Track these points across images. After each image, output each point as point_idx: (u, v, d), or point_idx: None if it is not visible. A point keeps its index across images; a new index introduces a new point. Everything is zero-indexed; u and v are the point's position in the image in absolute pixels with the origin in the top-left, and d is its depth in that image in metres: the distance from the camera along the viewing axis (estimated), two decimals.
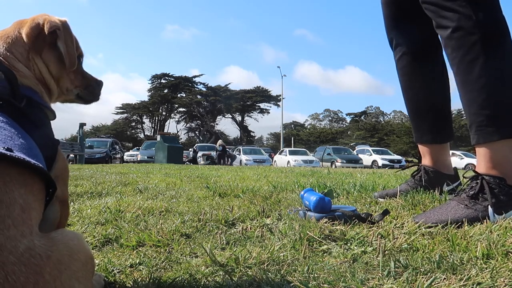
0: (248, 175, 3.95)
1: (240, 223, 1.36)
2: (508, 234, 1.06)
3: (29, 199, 0.56)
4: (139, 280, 0.86)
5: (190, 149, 27.52)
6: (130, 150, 30.95)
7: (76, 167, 7.12)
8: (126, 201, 1.88)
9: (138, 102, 55.55)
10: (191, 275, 0.87)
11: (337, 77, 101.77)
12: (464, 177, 1.41)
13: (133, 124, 57.06)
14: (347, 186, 2.26)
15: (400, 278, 0.80)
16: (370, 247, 1.01)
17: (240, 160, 23.12)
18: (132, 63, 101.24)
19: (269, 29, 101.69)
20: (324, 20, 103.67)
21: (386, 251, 0.98)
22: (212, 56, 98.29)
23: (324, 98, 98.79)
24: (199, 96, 53.68)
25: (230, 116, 55.69)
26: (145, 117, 56.57)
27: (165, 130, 52.52)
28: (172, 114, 56.46)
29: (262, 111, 54.82)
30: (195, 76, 55.63)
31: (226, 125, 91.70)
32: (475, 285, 0.75)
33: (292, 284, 0.79)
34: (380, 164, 22.92)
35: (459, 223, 1.21)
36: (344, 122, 66.59)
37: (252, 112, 55.15)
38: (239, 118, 55.57)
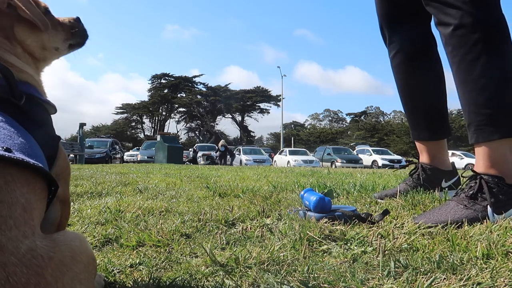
0: (248, 175, 3.95)
1: (240, 223, 1.36)
2: (508, 234, 1.06)
3: (31, 198, 0.55)
4: (139, 280, 0.86)
5: (190, 149, 27.52)
6: (130, 150, 30.95)
7: (76, 167, 7.12)
8: (126, 201, 1.88)
9: (138, 102, 55.60)
10: (191, 275, 0.87)
11: (337, 77, 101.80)
12: (462, 176, 1.41)
13: (133, 124, 57.06)
14: (347, 186, 2.26)
15: (400, 278, 0.80)
16: (370, 247, 1.01)
17: (240, 160, 23.12)
18: (132, 63, 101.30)
19: (269, 29, 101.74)
20: (325, 20, 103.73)
21: (386, 251, 0.98)
22: (212, 56, 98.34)
23: (324, 98, 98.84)
24: (199, 96, 53.68)
25: (230, 116, 55.71)
26: (145, 117, 56.57)
27: (165, 130, 52.53)
28: (172, 114, 56.49)
29: (262, 111, 54.84)
30: (195, 76, 55.67)
31: (226, 125, 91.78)
32: (475, 285, 0.75)
33: (292, 284, 0.79)
34: (380, 164, 22.92)
35: (459, 223, 1.21)
36: (344, 122, 66.60)
37: (252, 112, 55.15)
38: (239, 118, 55.59)
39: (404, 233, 1.13)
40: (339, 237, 1.11)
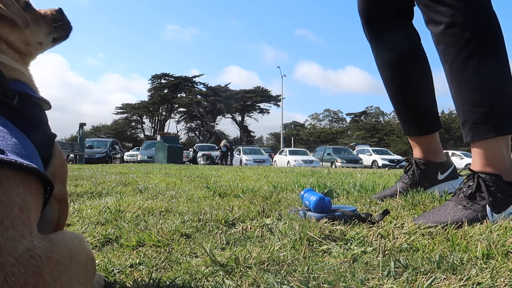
0: (248, 175, 3.95)
1: (240, 223, 1.36)
2: (508, 234, 1.06)
3: (27, 199, 0.55)
4: (139, 280, 0.85)
5: (190, 149, 27.53)
6: (130, 150, 30.97)
7: (76, 167, 7.12)
8: (126, 201, 1.88)
9: (138, 102, 55.65)
10: (191, 275, 0.87)
11: (337, 77, 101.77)
12: (460, 175, 1.40)
13: (133, 124, 57.08)
14: (347, 186, 2.26)
15: (400, 278, 0.80)
16: (370, 247, 1.01)
17: (240, 160, 23.13)
18: (133, 63, 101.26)
19: (269, 29, 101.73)
20: (325, 20, 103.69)
21: (386, 251, 0.98)
22: (212, 56, 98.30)
23: (324, 98, 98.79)
24: (199, 96, 53.70)
25: (230, 116, 55.72)
26: (145, 117, 56.59)
27: (165, 130, 52.55)
28: (172, 114, 56.51)
29: (262, 111, 54.88)
30: (195, 76, 55.70)
31: (226, 125, 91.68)
32: (475, 285, 0.75)
33: (292, 284, 0.79)
34: (380, 164, 22.92)
35: (459, 224, 1.21)
36: (344, 122, 66.59)
37: (252, 112, 55.17)
38: (239, 118, 55.60)
39: (404, 233, 1.13)
40: (339, 237, 1.11)
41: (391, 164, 21.99)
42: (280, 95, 43.30)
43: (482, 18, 1.30)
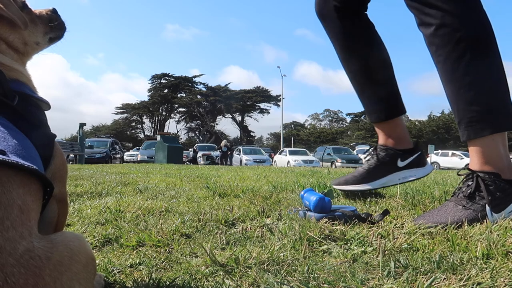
0: (248, 175, 3.95)
1: (240, 223, 1.36)
2: (508, 234, 1.06)
3: (27, 199, 0.55)
4: (139, 280, 0.85)
5: (190, 149, 27.54)
6: (130, 150, 30.97)
7: (76, 167, 7.12)
8: (126, 201, 1.88)
9: (138, 102, 55.65)
10: (191, 275, 0.87)
11: (337, 77, 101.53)
12: (458, 174, 1.40)
13: (133, 124, 57.09)
14: None
15: (400, 278, 0.80)
16: (370, 247, 1.01)
17: (240, 160, 23.13)
18: (133, 63, 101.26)
19: (269, 29, 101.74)
20: None
21: (386, 251, 0.98)
22: (212, 56, 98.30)
23: (324, 98, 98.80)
24: (199, 96, 53.69)
25: (230, 116, 55.72)
26: (145, 117, 56.60)
27: (165, 130, 52.55)
28: (172, 114, 56.52)
29: (262, 111, 54.87)
30: (195, 76, 55.68)
31: (226, 125, 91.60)
32: (475, 285, 0.75)
33: (292, 284, 0.79)
34: None
35: (459, 224, 1.21)
36: (344, 122, 66.56)
37: (252, 112, 55.16)
38: (239, 118, 55.60)
39: (404, 233, 1.13)
40: (339, 237, 1.11)
41: None
42: (280, 95, 43.38)
43: (472, 18, 1.31)
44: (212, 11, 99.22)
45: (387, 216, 1.33)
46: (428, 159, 24.03)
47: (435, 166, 22.05)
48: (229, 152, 22.27)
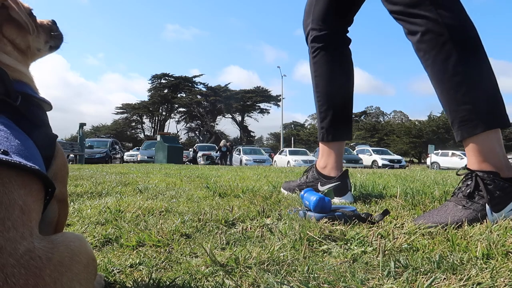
0: (248, 175, 3.94)
1: (240, 223, 1.36)
2: (508, 234, 1.06)
3: (28, 200, 0.55)
4: (139, 280, 0.86)
5: (190, 149, 27.54)
6: (130, 150, 30.98)
7: (76, 167, 7.12)
8: (126, 201, 1.88)
9: (138, 102, 55.66)
10: (191, 275, 0.87)
11: None
12: (458, 174, 1.41)
13: (133, 124, 57.11)
14: None
15: (400, 278, 0.80)
16: (370, 247, 1.01)
17: (240, 160, 23.13)
18: (133, 63, 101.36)
19: (269, 29, 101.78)
20: None
21: (386, 251, 0.98)
22: (212, 56, 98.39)
23: None
24: (199, 96, 53.67)
25: (230, 116, 55.71)
26: (145, 117, 56.62)
27: (165, 130, 52.57)
28: (172, 114, 56.52)
29: (262, 111, 54.86)
30: (195, 76, 55.68)
31: (226, 125, 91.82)
32: (475, 285, 0.75)
33: (292, 284, 0.79)
34: (380, 164, 22.96)
35: (459, 224, 1.21)
36: None
37: (252, 112, 55.16)
38: (239, 118, 55.59)
39: (404, 233, 1.13)
40: (339, 237, 1.11)
41: (391, 164, 22.03)
42: (280, 95, 43.35)
43: (455, 22, 1.35)
44: (212, 11, 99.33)
45: (387, 216, 1.33)
46: (428, 159, 24.07)
47: (435, 166, 22.07)
48: (228, 152, 22.25)
